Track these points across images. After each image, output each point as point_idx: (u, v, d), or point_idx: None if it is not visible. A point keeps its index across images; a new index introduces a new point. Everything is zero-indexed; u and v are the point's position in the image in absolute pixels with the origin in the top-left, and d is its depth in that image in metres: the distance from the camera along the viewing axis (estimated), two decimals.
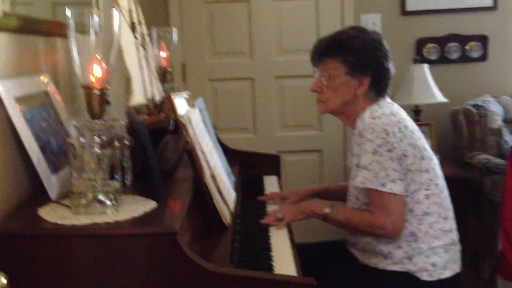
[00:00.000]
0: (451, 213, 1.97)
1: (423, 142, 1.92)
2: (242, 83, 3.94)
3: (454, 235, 1.96)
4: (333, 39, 1.96)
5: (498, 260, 2.67)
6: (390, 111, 1.89)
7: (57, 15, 1.89)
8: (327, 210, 1.96)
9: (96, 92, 1.35)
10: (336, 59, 1.94)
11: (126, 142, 1.41)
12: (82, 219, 1.32)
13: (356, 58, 1.91)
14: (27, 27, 1.62)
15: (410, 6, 3.84)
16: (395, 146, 1.82)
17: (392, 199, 1.83)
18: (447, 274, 1.91)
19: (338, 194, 2.30)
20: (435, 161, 1.96)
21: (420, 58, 3.65)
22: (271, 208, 2.17)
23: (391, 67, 1.97)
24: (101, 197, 1.37)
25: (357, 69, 1.92)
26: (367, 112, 1.88)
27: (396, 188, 1.82)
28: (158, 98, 2.12)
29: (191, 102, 2.71)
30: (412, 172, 1.86)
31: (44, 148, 1.54)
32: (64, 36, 1.90)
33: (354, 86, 1.94)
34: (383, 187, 1.82)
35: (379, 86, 1.95)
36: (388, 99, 2.00)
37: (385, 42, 1.98)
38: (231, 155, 2.51)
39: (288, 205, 2.08)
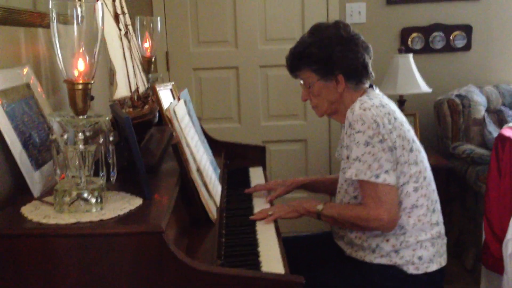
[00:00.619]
0: (438, 206, 1.97)
1: (412, 134, 1.92)
2: (227, 72, 3.90)
3: (441, 228, 1.96)
4: (293, 53, 1.99)
5: (482, 251, 2.69)
6: (380, 102, 1.88)
7: (37, 5, 1.84)
8: (319, 207, 1.94)
9: (80, 87, 1.31)
10: (303, 69, 1.97)
11: (110, 137, 1.37)
12: (66, 218, 1.29)
13: (319, 64, 1.93)
14: (8, 17, 1.58)
15: None
16: (385, 137, 1.81)
17: (386, 190, 1.82)
18: (433, 267, 1.91)
19: (325, 187, 2.29)
20: (423, 153, 1.95)
21: (405, 48, 3.64)
22: (257, 200, 2.15)
23: (358, 52, 1.94)
24: (85, 195, 1.34)
25: (326, 72, 1.93)
26: (357, 103, 1.87)
27: (389, 179, 1.81)
28: (142, 89, 2.08)
29: (175, 92, 2.68)
30: (401, 164, 1.85)
31: (26, 143, 1.50)
32: (46, 26, 1.87)
33: (333, 86, 1.95)
34: (377, 178, 1.80)
35: (355, 75, 1.94)
36: (377, 90, 1.99)
37: (346, 30, 1.96)
38: (216, 146, 2.49)
39: (279, 204, 2.06)
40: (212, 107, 3.89)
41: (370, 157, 1.81)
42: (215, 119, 3.86)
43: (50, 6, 1.31)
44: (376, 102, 1.87)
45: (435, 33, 3.84)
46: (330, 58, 1.92)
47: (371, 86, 2.00)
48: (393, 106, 1.93)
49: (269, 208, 2.01)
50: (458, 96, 3.53)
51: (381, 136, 1.81)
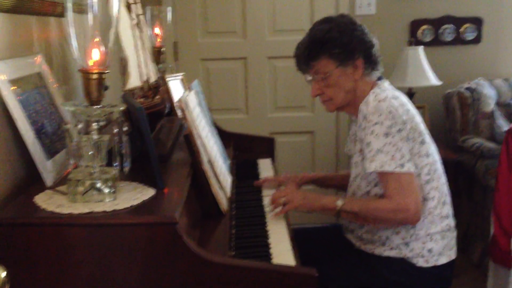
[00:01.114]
0: (448, 199, 1.97)
1: (423, 127, 1.91)
2: (235, 63, 3.89)
3: (451, 221, 1.96)
4: (311, 41, 1.94)
5: (490, 245, 2.68)
6: (392, 95, 1.88)
7: None
8: (340, 203, 1.86)
9: (95, 76, 1.30)
10: (322, 57, 1.92)
11: (124, 128, 1.37)
12: (80, 207, 1.29)
13: (340, 48, 1.90)
14: (21, 6, 1.57)
15: None
16: (402, 127, 1.81)
17: (411, 179, 1.80)
18: (443, 260, 1.91)
19: (335, 183, 2.28)
20: (433, 146, 1.95)
21: (415, 40, 3.62)
22: (266, 193, 2.14)
23: (372, 38, 1.96)
24: (98, 184, 1.33)
25: (346, 57, 1.91)
26: (370, 96, 1.86)
27: (412, 168, 1.80)
28: (152, 80, 2.07)
29: (185, 83, 2.67)
30: (413, 156, 1.85)
31: (38, 132, 1.50)
32: (57, 15, 1.86)
33: (351, 72, 1.92)
34: (402, 168, 1.78)
35: (372, 61, 1.94)
36: (386, 83, 1.98)
37: (354, 19, 1.97)
38: (225, 137, 2.48)
39: (295, 190, 2.01)
40: (219, 98, 3.89)
41: (391, 147, 1.79)
42: (222, 110, 3.85)
43: None
44: (389, 94, 1.87)
45: (445, 26, 3.82)
46: (351, 41, 1.90)
47: (380, 78, 1.99)
48: (404, 98, 1.93)
49: (281, 192, 1.97)
50: (468, 89, 3.51)
51: (398, 126, 1.80)
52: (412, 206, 1.78)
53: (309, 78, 1.98)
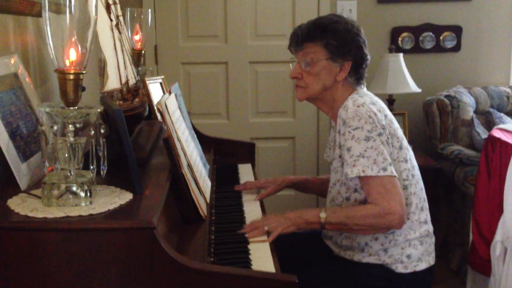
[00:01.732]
0: (426, 205, 1.97)
1: (401, 133, 1.92)
2: (216, 67, 3.87)
3: (429, 227, 1.96)
4: (315, 23, 1.92)
5: (469, 252, 2.70)
6: (370, 100, 1.88)
7: None
8: (323, 215, 1.80)
9: (71, 77, 1.27)
10: (317, 43, 1.89)
11: (102, 130, 1.34)
12: (55, 212, 1.26)
13: (338, 42, 1.88)
14: None
15: None
16: (382, 131, 1.81)
17: (394, 182, 1.78)
18: (422, 266, 1.90)
19: (315, 187, 2.26)
20: (411, 152, 1.95)
21: (395, 47, 3.64)
22: (247, 198, 2.12)
23: (368, 53, 1.96)
24: (74, 188, 1.30)
25: (339, 53, 1.89)
26: (349, 101, 1.86)
27: (394, 170, 1.79)
28: (132, 82, 2.04)
29: (165, 86, 2.65)
30: (393, 161, 1.84)
31: (13, 134, 1.46)
32: (35, 15, 1.82)
33: (335, 71, 1.91)
34: (385, 171, 1.77)
35: (359, 72, 1.93)
36: (365, 89, 1.98)
37: (362, 30, 1.96)
38: (205, 142, 2.46)
39: (274, 216, 1.85)
40: (200, 102, 3.86)
41: (373, 151, 1.78)
42: (203, 114, 3.81)
43: None
44: (367, 100, 1.87)
45: (425, 33, 3.84)
46: (350, 42, 1.89)
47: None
48: (382, 104, 1.93)
49: (263, 221, 1.83)
50: (447, 96, 3.54)
51: (378, 130, 1.80)
52: (398, 208, 1.75)
53: (295, 59, 1.96)
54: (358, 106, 1.82)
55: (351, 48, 1.89)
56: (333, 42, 1.88)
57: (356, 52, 1.90)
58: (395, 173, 1.78)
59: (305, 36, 1.91)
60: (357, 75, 1.92)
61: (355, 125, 1.80)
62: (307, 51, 1.91)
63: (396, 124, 1.91)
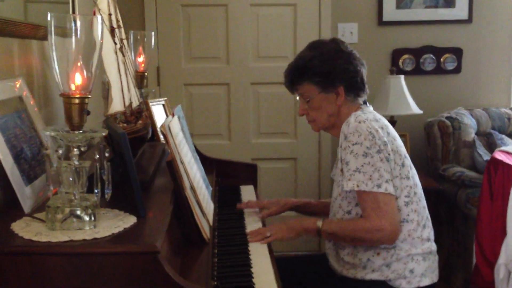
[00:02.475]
0: (429, 223, 1.98)
1: (404, 150, 1.93)
2: (218, 88, 3.89)
3: (432, 245, 1.97)
4: (294, 67, 2.01)
5: (472, 274, 2.68)
6: (373, 117, 1.91)
7: (28, 16, 1.81)
8: (319, 223, 1.91)
9: (76, 101, 1.28)
10: (305, 84, 1.98)
11: (106, 154, 1.34)
12: (58, 236, 1.25)
13: (321, 77, 1.95)
14: (2, 29, 1.55)
15: (386, 17, 3.85)
16: (382, 148, 1.83)
17: (388, 200, 1.82)
18: (425, 282, 1.91)
19: (318, 210, 2.27)
20: (414, 170, 1.97)
21: (396, 69, 3.66)
22: (249, 219, 2.12)
23: (357, 65, 1.98)
24: (78, 212, 1.30)
25: (327, 85, 1.95)
26: (352, 117, 1.89)
27: (390, 188, 1.82)
28: (135, 104, 2.05)
29: (168, 108, 2.66)
30: (394, 178, 1.86)
31: (17, 157, 1.46)
32: (39, 38, 1.84)
33: (333, 99, 1.97)
34: (379, 188, 1.80)
35: (355, 88, 1.97)
36: (370, 107, 2.00)
37: (344, 45, 2.00)
38: (207, 163, 2.46)
39: (276, 224, 2.00)
40: (202, 123, 3.87)
41: (370, 167, 1.81)
42: (205, 135, 3.83)
43: (49, 18, 1.28)
44: (370, 116, 1.90)
45: (426, 55, 3.87)
46: (332, 71, 1.94)
47: (365, 103, 2.02)
48: (385, 122, 1.95)
49: (266, 228, 1.98)
50: (449, 118, 3.55)
51: (378, 146, 1.83)
52: (387, 226, 1.80)
53: (297, 98, 2.05)
54: (359, 122, 1.85)
55: (336, 76, 1.95)
56: (316, 79, 1.95)
57: (343, 75, 1.95)
58: (390, 191, 1.82)
59: (291, 81, 2.02)
60: (354, 91, 1.97)
61: (354, 140, 1.84)
62: (301, 92, 2.01)
63: (399, 142, 1.93)
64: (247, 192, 2.49)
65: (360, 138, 1.83)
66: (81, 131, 1.29)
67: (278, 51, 3.85)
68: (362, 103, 2.00)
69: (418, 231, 1.91)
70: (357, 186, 1.82)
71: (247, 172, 2.67)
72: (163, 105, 2.66)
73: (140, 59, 2.44)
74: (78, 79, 1.29)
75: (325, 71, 1.94)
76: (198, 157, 2.17)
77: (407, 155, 1.94)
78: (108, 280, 1.22)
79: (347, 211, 1.93)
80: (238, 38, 3.83)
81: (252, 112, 3.90)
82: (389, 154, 1.85)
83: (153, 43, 2.54)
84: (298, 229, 1.94)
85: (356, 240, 1.88)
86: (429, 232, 1.96)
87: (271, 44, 3.85)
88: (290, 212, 2.36)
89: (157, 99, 2.63)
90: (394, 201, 1.83)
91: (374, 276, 1.89)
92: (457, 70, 3.90)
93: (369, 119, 1.87)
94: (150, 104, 2.46)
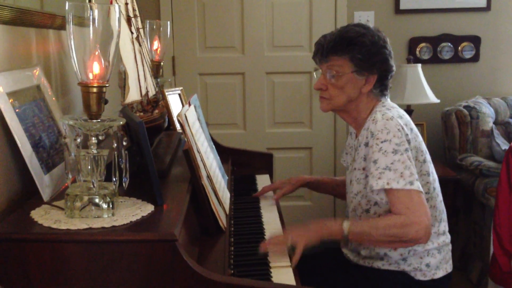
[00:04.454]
0: (444, 216, 1.97)
1: (424, 146, 1.91)
2: (233, 78, 3.88)
3: (447, 237, 1.97)
4: (341, 35, 1.89)
5: (490, 264, 2.66)
6: (398, 113, 1.86)
7: (45, 6, 1.81)
8: (346, 225, 1.74)
9: (94, 90, 1.28)
10: (343, 56, 1.87)
11: (124, 142, 1.35)
12: (77, 223, 1.27)
13: (364, 56, 1.86)
14: (20, 18, 1.56)
15: (403, 5, 3.81)
16: (408, 147, 1.80)
17: (419, 196, 1.74)
18: (440, 274, 1.91)
19: (329, 187, 2.28)
20: (432, 164, 1.95)
21: (413, 58, 3.62)
22: (264, 204, 2.13)
23: (394, 65, 1.94)
24: (97, 200, 1.31)
25: (365, 67, 1.87)
26: (378, 114, 1.84)
27: (419, 186, 1.75)
28: (151, 94, 2.06)
29: (184, 97, 2.66)
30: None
31: (36, 145, 1.47)
32: (56, 28, 1.85)
33: (360, 83, 1.89)
34: (412, 185, 1.73)
35: (384, 84, 1.92)
36: (388, 99, 1.97)
37: (388, 40, 1.95)
38: (223, 152, 2.46)
39: (296, 228, 1.77)
40: (217, 113, 3.87)
41: (400, 164, 1.75)
42: (220, 125, 3.83)
43: (67, 8, 1.29)
44: (395, 113, 1.86)
45: (444, 44, 3.82)
46: (376, 55, 1.86)
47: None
48: (408, 117, 1.92)
49: (286, 235, 1.75)
50: (466, 107, 3.51)
51: (406, 144, 1.79)
52: (425, 219, 1.69)
53: (319, 70, 1.95)
54: (387, 120, 1.80)
55: (376, 62, 1.87)
56: (359, 56, 1.85)
57: (382, 65, 1.88)
58: (421, 189, 1.75)
59: (330, 49, 1.89)
60: (381, 86, 1.92)
61: (383, 138, 1.78)
62: (332, 64, 1.89)
63: (420, 138, 1.91)
64: (263, 181, 2.48)
65: (389, 135, 1.77)
66: (99, 120, 1.30)
67: (293, 40, 3.82)
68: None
69: (435, 226, 1.90)
70: (388, 184, 1.73)
71: (263, 161, 2.67)
72: (179, 94, 2.67)
73: (156, 48, 2.44)
74: (96, 68, 1.30)
75: (371, 52, 1.85)
76: (214, 146, 2.18)
77: (427, 150, 1.92)
78: (126, 268, 1.23)
79: (365, 210, 1.90)
80: (253, 27, 3.82)
81: (267, 101, 3.89)
82: (413, 152, 1.82)
83: (169, 33, 2.54)
84: (321, 234, 1.76)
85: (390, 237, 1.73)
86: (445, 225, 1.96)
87: (286, 33, 3.83)
88: (306, 201, 2.35)
89: (173, 89, 2.64)
90: (423, 198, 1.76)
91: (391, 267, 1.90)
92: (475, 58, 3.85)
93: (395, 117, 1.82)
94: (166, 93, 2.46)
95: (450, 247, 1.98)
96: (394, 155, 1.76)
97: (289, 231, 1.77)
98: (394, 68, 1.93)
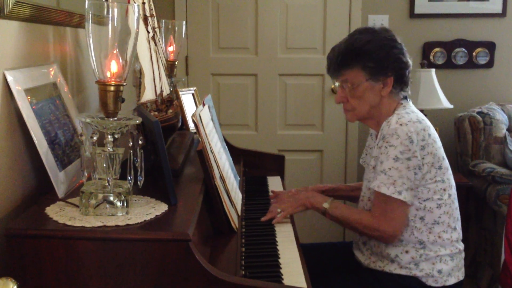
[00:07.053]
0: (459, 224, 1.97)
1: (442, 152, 1.90)
2: (246, 79, 3.88)
3: (460, 245, 1.96)
4: (347, 48, 1.90)
5: (501, 271, 2.64)
6: (417, 118, 1.86)
7: (61, 3, 1.82)
8: (325, 205, 1.94)
9: (112, 88, 1.29)
10: (355, 68, 1.88)
11: (139, 141, 1.35)
12: (92, 221, 1.27)
13: (375, 63, 1.86)
14: (38, 16, 1.56)
15: (418, 9, 3.80)
16: (415, 155, 1.80)
17: (401, 207, 1.82)
18: (451, 281, 1.90)
19: (345, 194, 2.29)
20: (450, 171, 1.93)
21: (427, 63, 3.61)
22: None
23: (409, 59, 1.93)
24: (111, 198, 1.31)
25: (379, 73, 1.87)
26: (394, 117, 1.84)
27: (408, 197, 1.81)
28: (165, 93, 2.06)
29: (197, 97, 2.67)
30: (426, 180, 1.84)
31: (52, 142, 1.48)
32: (74, 26, 1.86)
33: (379, 88, 1.90)
34: (399, 195, 1.79)
35: (402, 81, 1.92)
36: (410, 102, 1.96)
37: (397, 36, 1.94)
38: (235, 153, 2.46)
39: (285, 198, 2.05)
40: (229, 114, 3.87)
41: (396, 172, 1.79)
42: (231, 125, 3.83)
43: (86, 6, 1.29)
44: (413, 117, 1.85)
45: (458, 49, 3.81)
46: (387, 58, 1.87)
47: (405, 97, 1.97)
48: (428, 122, 1.91)
49: (275, 205, 2.00)
50: (480, 113, 3.49)
51: (411, 153, 1.79)
52: (389, 230, 1.84)
53: (337, 83, 1.96)
54: (400, 125, 1.80)
55: (389, 64, 1.87)
56: (369, 64, 1.86)
57: (396, 65, 1.88)
58: (407, 200, 1.81)
59: (340, 63, 1.91)
60: (401, 84, 1.92)
61: (391, 142, 1.81)
62: (346, 78, 1.91)
63: (439, 143, 1.90)
64: (274, 183, 2.48)
65: (397, 141, 1.79)
66: (115, 118, 1.31)
67: (307, 42, 3.82)
68: (402, 97, 1.95)
69: (448, 233, 1.90)
70: (378, 187, 1.82)
71: (274, 163, 2.67)
72: (193, 94, 2.67)
73: (171, 48, 2.45)
74: (113, 67, 1.30)
75: (381, 57, 1.86)
76: (226, 147, 2.18)
77: (445, 157, 1.91)
78: (139, 266, 1.24)
79: (370, 207, 1.94)
80: (266, 28, 3.82)
81: (279, 103, 3.89)
82: (423, 159, 1.81)
83: (184, 33, 2.54)
84: (306, 204, 1.98)
85: (356, 231, 1.94)
86: (459, 233, 1.96)
87: (300, 35, 3.83)
88: None
89: (186, 88, 2.64)
90: (405, 209, 1.84)
91: (402, 271, 1.89)
92: (490, 64, 3.83)
93: (412, 121, 1.81)
94: (180, 93, 2.47)
95: (463, 255, 1.98)
96: (395, 161, 1.79)
97: (279, 201, 2.04)
98: (409, 63, 1.93)
